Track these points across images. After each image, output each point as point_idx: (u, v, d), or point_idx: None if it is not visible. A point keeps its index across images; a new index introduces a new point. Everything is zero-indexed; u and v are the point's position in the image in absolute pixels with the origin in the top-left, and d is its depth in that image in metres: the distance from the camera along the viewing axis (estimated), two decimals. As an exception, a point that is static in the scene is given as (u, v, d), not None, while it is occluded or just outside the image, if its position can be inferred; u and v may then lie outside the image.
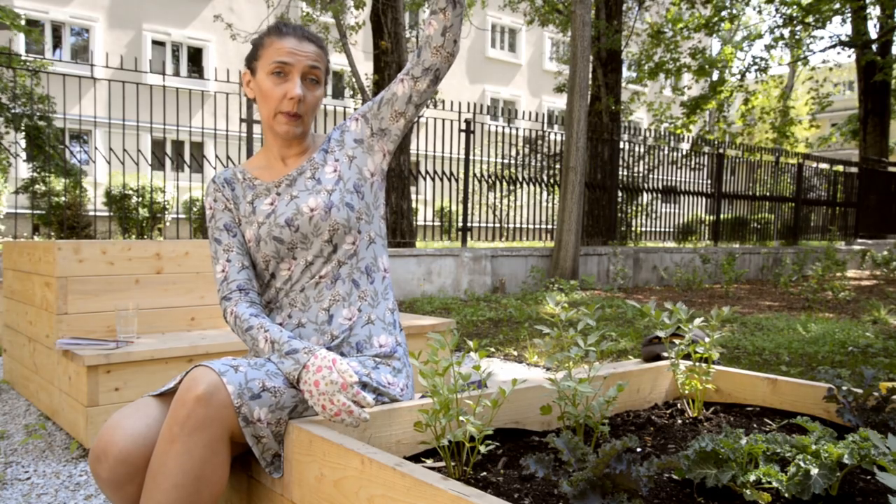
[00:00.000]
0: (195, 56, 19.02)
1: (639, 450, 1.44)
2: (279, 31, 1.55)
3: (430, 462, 1.37)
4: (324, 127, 8.34)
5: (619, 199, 10.45)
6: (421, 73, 1.53)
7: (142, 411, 1.35)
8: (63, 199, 10.53)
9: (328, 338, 1.51)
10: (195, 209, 12.10)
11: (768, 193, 12.59)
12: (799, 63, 17.01)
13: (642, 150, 10.74)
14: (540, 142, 10.20)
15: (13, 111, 7.89)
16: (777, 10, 15.08)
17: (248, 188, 1.60)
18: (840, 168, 14.20)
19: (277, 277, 1.55)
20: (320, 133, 1.91)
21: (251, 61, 1.59)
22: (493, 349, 4.68)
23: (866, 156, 15.24)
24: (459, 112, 8.45)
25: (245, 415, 1.27)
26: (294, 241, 1.52)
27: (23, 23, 7.76)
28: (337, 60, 17.28)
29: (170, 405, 1.38)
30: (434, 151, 8.30)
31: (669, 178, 11.07)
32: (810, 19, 14.63)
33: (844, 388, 1.50)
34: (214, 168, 7.41)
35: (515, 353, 4.56)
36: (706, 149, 11.41)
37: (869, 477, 1.27)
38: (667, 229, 11.78)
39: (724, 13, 14.16)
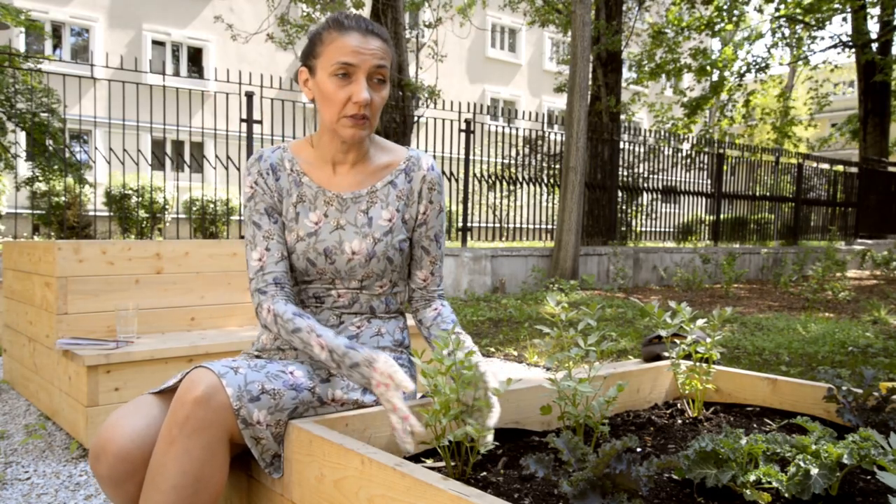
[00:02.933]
0: (195, 56, 19.01)
1: (639, 450, 1.44)
2: (340, 26, 1.42)
3: (430, 462, 1.37)
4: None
5: (619, 199, 10.45)
6: (414, 289, 1.64)
7: (141, 409, 1.35)
8: (63, 199, 10.53)
9: None
10: (195, 209, 12.10)
11: (768, 193, 12.59)
12: (799, 63, 17.00)
13: (642, 150, 10.74)
14: (540, 142, 10.19)
15: (17, 109, 7.88)
16: (777, 10, 15.07)
17: (294, 184, 1.53)
18: (840, 168, 14.20)
19: (297, 274, 1.57)
20: (383, 140, 1.62)
21: (308, 58, 1.46)
22: (493, 349, 4.68)
23: (866, 156, 15.24)
24: (459, 112, 8.45)
25: (244, 417, 1.26)
26: (326, 269, 1.51)
27: (22, 19, 7.74)
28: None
29: (169, 403, 1.38)
30: (434, 151, 8.30)
31: (669, 178, 11.07)
32: (810, 20, 14.61)
33: (844, 388, 1.50)
34: (214, 168, 7.40)
35: (515, 353, 4.56)
36: (706, 149, 11.42)
37: (869, 477, 1.27)
38: (667, 229, 11.78)
39: (725, 14, 14.15)
